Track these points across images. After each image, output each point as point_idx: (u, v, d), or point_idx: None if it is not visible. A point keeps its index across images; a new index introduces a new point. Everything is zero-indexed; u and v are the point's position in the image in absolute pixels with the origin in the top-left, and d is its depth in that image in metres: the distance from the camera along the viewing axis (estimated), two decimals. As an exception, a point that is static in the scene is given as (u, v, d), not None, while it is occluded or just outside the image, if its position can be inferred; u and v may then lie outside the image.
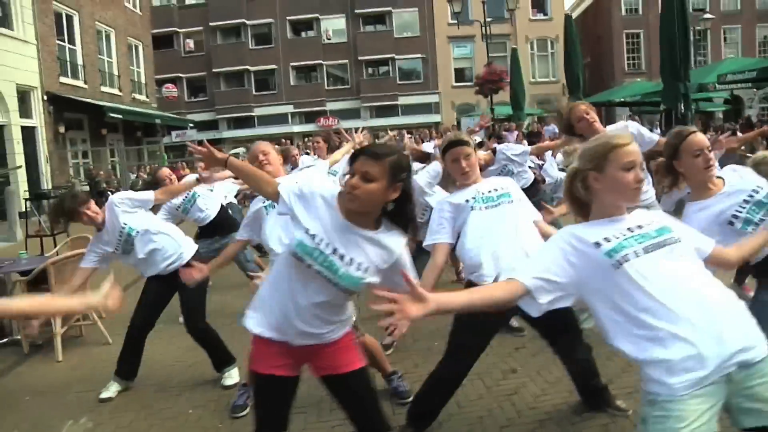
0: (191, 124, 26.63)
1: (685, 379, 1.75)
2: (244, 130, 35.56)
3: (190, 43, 36.44)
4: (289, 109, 36.42)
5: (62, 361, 4.89)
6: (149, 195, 4.19)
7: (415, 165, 6.87)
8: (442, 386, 3.14)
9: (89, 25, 19.31)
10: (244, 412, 3.58)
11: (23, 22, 15.73)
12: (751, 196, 2.56)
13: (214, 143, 16.75)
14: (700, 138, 2.60)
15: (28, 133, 15.95)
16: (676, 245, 1.91)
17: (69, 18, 18.35)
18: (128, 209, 4.05)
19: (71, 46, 18.47)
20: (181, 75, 35.93)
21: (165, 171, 5.82)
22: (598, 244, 1.89)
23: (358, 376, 2.40)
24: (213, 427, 3.55)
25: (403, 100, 35.17)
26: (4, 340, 5.33)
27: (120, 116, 18.45)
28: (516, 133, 16.57)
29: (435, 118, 33.51)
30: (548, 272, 1.88)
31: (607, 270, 1.84)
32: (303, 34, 36.95)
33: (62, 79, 17.47)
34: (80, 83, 18.58)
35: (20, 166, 8.69)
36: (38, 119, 16.38)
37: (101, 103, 17.84)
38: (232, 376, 4.12)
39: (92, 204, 4.03)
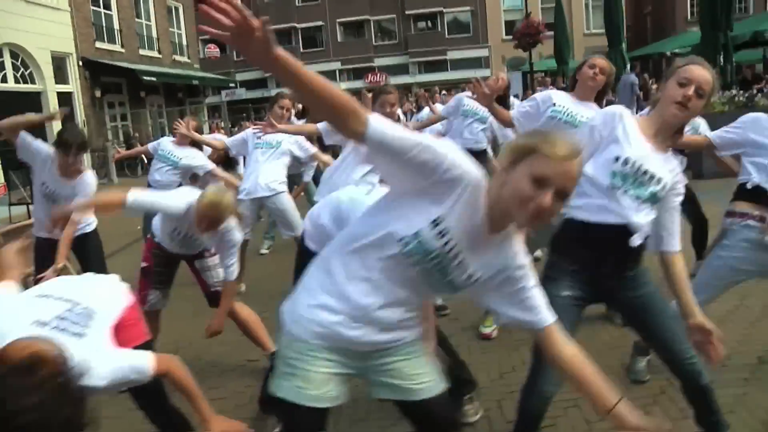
0: (232, 83, 26.77)
1: None
2: (293, 88, 35.50)
3: (237, 1, 36.39)
4: (336, 65, 36.19)
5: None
6: None
7: None
8: None
9: (125, -12, 19.54)
10: None
11: (57, -10, 16.03)
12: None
13: (263, 102, 16.79)
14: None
15: (65, 99, 16.38)
16: None
17: (104, -17, 18.63)
18: None
19: (107, 11, 18.73)
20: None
21: None
22: None
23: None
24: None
25: (451, 55, 34.36)
26: None
27: (154, 79, 18.68)
28: (551, 88, 15.89)
29: (485, 72, 32.50)
30: None
31: None
32: (350, -12, 36.43)
33: (98, 44, 17.79)
34: (117, 47, 18.89)
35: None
36: (74, 84, 16.80)
37: (135, 66, 18.11)
38: None
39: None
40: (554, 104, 3.59)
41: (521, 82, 20.11)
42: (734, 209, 2.88)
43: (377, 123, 1.43)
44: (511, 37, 32.71)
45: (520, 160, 1.52)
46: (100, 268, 4.10)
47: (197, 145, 5.59)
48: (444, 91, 17.79)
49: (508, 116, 3.71)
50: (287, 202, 5.01)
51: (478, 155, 5.59)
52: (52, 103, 15.63)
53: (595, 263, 2.23)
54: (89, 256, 4.18)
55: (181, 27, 24.14)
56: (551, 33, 21.24)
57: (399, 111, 7.10)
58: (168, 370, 2.04)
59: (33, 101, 15.29)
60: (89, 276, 2.63)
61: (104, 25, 18.47)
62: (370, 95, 6.31)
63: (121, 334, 2.41)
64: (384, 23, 36.29)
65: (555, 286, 2.21)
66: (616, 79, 16.43)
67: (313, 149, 5.13)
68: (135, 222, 6.51)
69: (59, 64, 16.18)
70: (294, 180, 5.96)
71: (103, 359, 1.90)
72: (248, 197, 4.89)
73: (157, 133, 19.77)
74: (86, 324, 2.00)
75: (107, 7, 18.75)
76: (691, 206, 4.52)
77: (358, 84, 34.45)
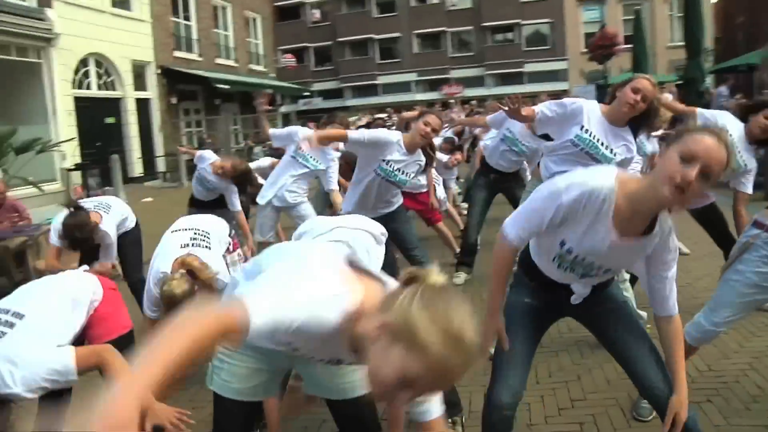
0: (306, 93, 27.28)
1: None
2: (368, 98, 35.96)
3: (317, 14, 37.25)
4: (412, 77, 36.28)
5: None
6: None
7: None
8: None
9: (205, 1, 20.27)
10: None
11: (140, 3, 16.83)
12: None
13: (338, 111, 16.91)
14: None
15: (143, 105, 17.17)
16: None
17: (186, -4, 19.46)
18: None
19: (186, 22, 19.51)
20: (307, 45, 36.94)
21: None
22: None
23: None
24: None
25: (529, 67, 33.75)
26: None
27: (228, 87, 19.27)
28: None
29: (562, 86, 31.78)
30: None
31: None
32: (427, 1, 36.42)
33: (176, 53, 18.54)
34: (194, 56, 19.62)
35: (71, 139, 9.11)
36: (152, 91, 17.57)
37: (209, 75, 18.73)
38: None
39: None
40: (582, 127, 3.22)
41: (594, 95, 19.38)
42: (765, 220, 2.62)
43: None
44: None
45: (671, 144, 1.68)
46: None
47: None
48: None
49: (531, 112, 3.33)
50: (309, 209, 5.00)
51: (513, 174, 5.39)
52: (131, 109, 16.43)
53: (552, 292, 2.11)
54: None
55: (258, 37, 24.85)
56: (630, 45, 20.52)
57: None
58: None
59: (113, 107, 16.16)
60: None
61: (183, 35, 19.25)
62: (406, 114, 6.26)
63: (98, 328, 2.45)
64: (461, 35, 36.11)
65: (517, 293, 2.17)
66: (698, 92, 15.72)
67: (334, 187, 5.09)
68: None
69: (139, 72, 16.96)
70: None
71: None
72: (269, 205, 4.92)
73: (231, 140, 20.41)
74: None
75: (187, 18, 19.54)
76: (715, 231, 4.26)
77: (433, 95, 34.45)
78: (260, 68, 24.62)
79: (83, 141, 14.42)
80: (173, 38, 18.46)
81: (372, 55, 36.94)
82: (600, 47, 21.30)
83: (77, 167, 12.78)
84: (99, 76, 15.57)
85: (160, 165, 17.68)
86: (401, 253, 4.14)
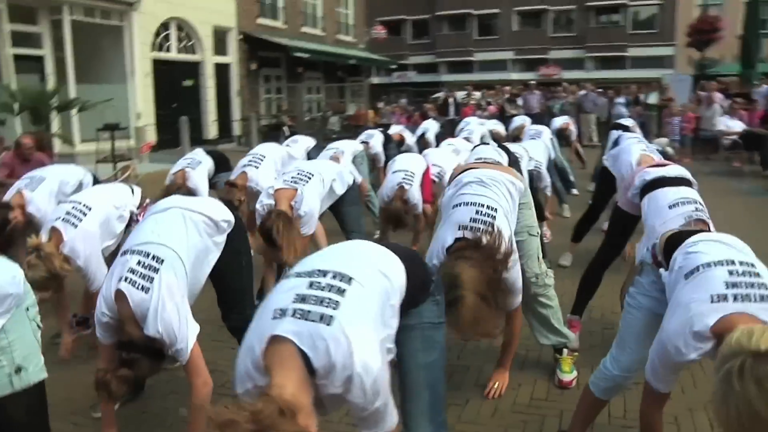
0: (394, 65, 27.05)
1: None
2: (463, 75, 35.25)
3: (415, -15, 36.73)
4: (509, 55, 35.22)
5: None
6: None
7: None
8: None
9: (294, -31, 20.41)
10: None
11: (224, -34, 17.16)
12: None
13: (433, 86, 17.13)
14: None
15: (223, 69, 17.61)
16: None
17: (275, -38, 19.60)
18: None
19: (274, -11, 19.73)
20: (405, 17, 36.58)
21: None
22: None
23: None
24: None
25: (633, 52, 31.85)
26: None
27: (307, 55, 19.38)
28: (716, 95, 13.92)
29: (668, 72, 29.73)
30: None
31: None
32: (529, -24, 35.11)
33: (259, 20, 18.79)
34: (279, 24, 19.82)
35: (109, 99, 9.41)
36: (233, 56, 17.95)
37: (289, 43, 18.88)
38: None
39: None
40: None
41: (690, 86, 17.90)
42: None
43: None
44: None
45: None
46: None
47: None
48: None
49: None
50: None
51: None
52: (209, 73, 16.89)
53: None
54: None
55: (349, 7, 24.77)
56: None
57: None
58: None
59: (192, 70, 16.67)
60: None
61: (269, 2, 19.46)
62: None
63: None
64: (563, 14, 34.52)
65: None
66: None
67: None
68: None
69: (220, 37, 17.35)
70: None
71: None
72: None
73: (307, 109, 20.61)
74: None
75: (275, -15, 19.74)
76: None
77: (529, 75, 33.24)
78: (349, 38, 24.57)
79: (159, 102, 15.03)
80: (257, 5, 18.70)
81: (470, 31, 36.10)
82: (699, 32, 19.59)
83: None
84: (179, 40, 16.07)
85: (236, 129, 18.15)
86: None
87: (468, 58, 36.06)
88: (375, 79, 35.20)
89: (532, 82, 17.70)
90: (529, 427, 2.71)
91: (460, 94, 20.16)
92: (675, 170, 3.24)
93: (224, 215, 2.69)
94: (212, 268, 2.68)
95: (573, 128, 10.07)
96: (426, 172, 5.41)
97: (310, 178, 3.64)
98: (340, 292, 1.58)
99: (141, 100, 14.42)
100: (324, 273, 1.64)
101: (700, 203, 2.95)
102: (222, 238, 2.68)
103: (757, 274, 1.79)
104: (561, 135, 9.80)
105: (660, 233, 2.79)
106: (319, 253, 1.84)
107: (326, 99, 23.21)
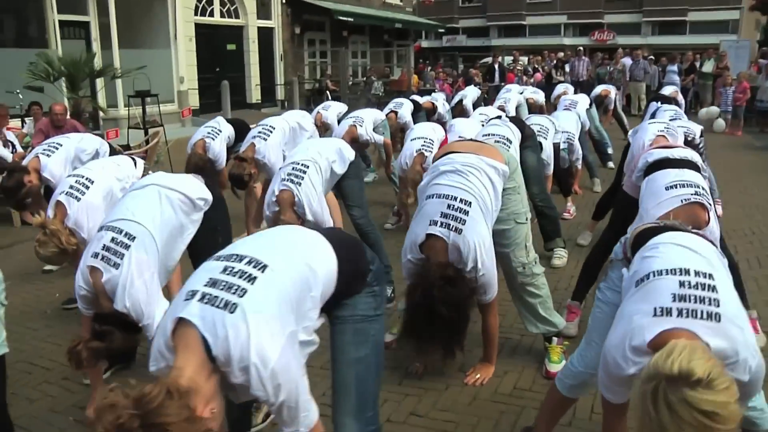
0: (442, 29, 26.51)
1: None
2: (514, 39, 34.33)
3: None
4: (562, 19, 34.09)
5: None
6: None
7: None
8: None
9: (340, -70, 20.06)
10: None
11: (270, -70, 17.01)
12: None
13: (483, 50, 16.82)
14: None
15: (266, 33, 17.58)
16: None
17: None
18: None
19: (319, -49, 19.45)
20: (455, -20, 35.74)
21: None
22: None
23: None
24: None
25: (693, 16, 30.33)
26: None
27: (351, 19, 19.17)
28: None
29: (731, 38, 28.28)
30: None
31: None
32: (586, -65, 33.58)
33: (304, -17, 18.66)
34: (325, -14, 19.64)
35: (143, 67, 9.43)
36: (276, 21, 17.89)
37: (333, 6, 18.69)
38: None
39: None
40: None
41: (749, 52, 16.90)
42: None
43: None
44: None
45: None
46: None
47: None
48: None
49: None
50: None
51: None
52: (252, 37, 16.90)
53: None
54: None
55: (396, -30, 24.31)
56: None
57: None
58: None
59: (235, 34, 16.70)
60: None
61: (313, -35, 19.23)
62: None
63: None
64: (620, -25, 33.12)
65: None
66: None
67: None
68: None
69: (264, 0, 17.28)
70: None
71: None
72: None
73: (350, 73, 20.41)
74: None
75: (321, -53, 19.45)
76: None
77: (583, 41, 32.14)
78: (396, 2, 24.15)
79: (201, 66, 15.15)
80: (302, -32, 18.54)
81: (521, -7, 35.05)
82: None
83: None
84: (222, 4, 16.08)
85: (280, 93, 18.19)
86: None
87: (520, 22, 35.05)
88: (425, 43, 34.64)
89: (580, 48, 17.03)
90: (505, 418, 2.65)
91: (507, 60, 19.69)
92: (681, 152, 3.05)
93: (201, 193, 2.71)
94: (190, 245, 2.71)
95: (612, 96, 9.71)
96: (443, 142, 5.31)
97: (305, 171, 3.50)
98: (251, 279, 1.55)
99: (184, 64, 14.55)
100: (241, 258, 1.61)
101: (704, 188, 2.76)
102: (198, 216, 2.70)
103: (712, 288, 1.64)
104: (599, 102, 9.48)
105: (652, 216, 2.66)
106: (248, 237, 1.82)
107: (371, 63, 22.96)
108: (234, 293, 1.51)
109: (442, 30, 26.90)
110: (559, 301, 3.78)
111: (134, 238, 2.44)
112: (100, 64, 12.26)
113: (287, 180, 3.48)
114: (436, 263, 2.59)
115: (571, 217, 6.00)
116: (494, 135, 4.10)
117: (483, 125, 6.16)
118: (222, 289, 1.52)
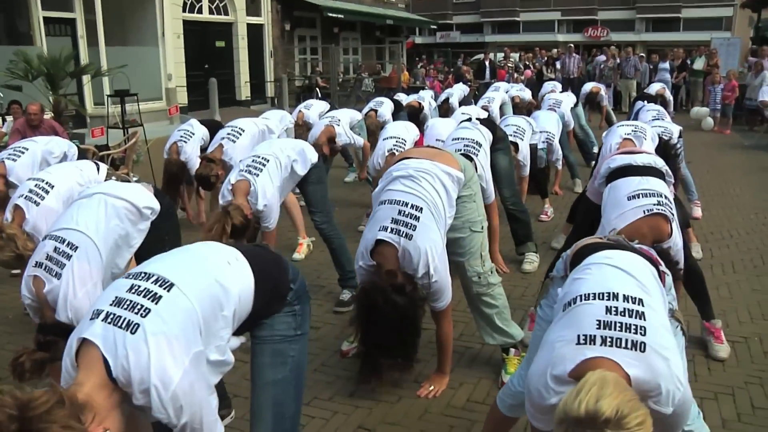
0: (434, 26, 26.42)
1: None
2: (508, 35, 34.27)
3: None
4: (556, 16, 34.05)
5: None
6: None
7: None
8: None
9: (330, -74, 19.95)
10: None
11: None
12: None
13: (477, 47, 16.77)
14: None
15: (256, 29, 17.50)
16: None
17: None
18: None
19: (309, -52, 19.34)
20: (449, -25, 35.64)
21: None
22: None
23: None
24: None
25: (687, 13, 30.30)
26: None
27: (341, 16, 19.09)
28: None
29: (724, 35, 28.21)
30: None
31: None
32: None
33: (294, -20, 18.57)
34: (315, -17, 19.53)
35: (123, 66, 9.30)
36: (266, 17, 17.79)
37: (322, 3, 18.59)
38: None
39: None
40: None
41: (738, 49, 16.80)
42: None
43: None
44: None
45: None
46: None
47: None
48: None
49: None
50: None
51: None
52: (242, 34, 16.81)
53: None
54: None
55: (389, -35, 24.19)
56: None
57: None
58: None
59: (224, 31, 16.63)
60: None
61: (303, -39, 19.13)
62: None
63: None
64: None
65: None
66: None
67: None
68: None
69: (254, -3, 17.20)
70: None
71: None
72: None
73: (341, 70, 20.31)
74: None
75: (310, -57, 19.34)
76: None
77: (576, 37, 32.07)
78: (390, -2, 24.06)
79: (190, 63, 15.08)
80: (293, -36, 18.44)
81: (515, -10, 34.95)
82: None
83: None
84: (211, 1, 15.98)
85: (269, 90, 18.11)
86: None
87: (513, 18, 34.96)
88: (418, 39, 34.53)
89: (570, 45, 16.95)
90: (453, 432, 2.61)
91: (500, 56, 19.59)
92: (645, 158, 2.99)
93: (148, 202, 2.66)
94: (137, 255, 2.67)
95: (603, 93, 9.66)
96: (418, 142, 5.25)
97: (264, 164, 3.51)
98: (156, 298, 1.51)
99: (172, 61, 14.45)
100: (148, 277, 1.58)
101: (666, 197, 2.71)
102: (145, 225, 2.66)
103: (640, 315, 1.57)
104: (591, 100, 9.43)
105: (615, 227, 2.61)
106: (159, 255, 1.77)
107: (363, 60, 22.85)
108: (137, 313, 1.48)
109: (435, 26, 26.81)
110: (527, 308, 3.74)
111: (77, 247, 2.39)
112: (86, 61, 12.26)
113: (245, 171, 3.48)
114: (385, 270, 2.55)
115: (548, 219, 5.96)
116: (464, 139, 4.05)
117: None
118: (126, 309, 1.49)
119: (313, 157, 3.80)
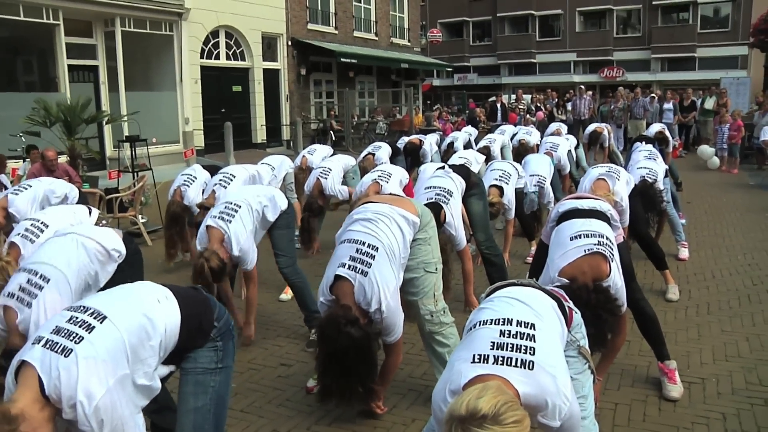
0: (449, 68, 26.90)
1: None
2: (525, 77, 34.77)
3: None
4: (572, 57, 34.43)
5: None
6: None
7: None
8: None
9: (346, -26, 20.64)
10: None
11: (276, -24, 17.57)
12: None
13: (494, 88, 17.02)
14: None
15: (272, 74, 18.06)
16: None
17: (328, -31, 19.89)
18: None
19: (325, -5, 20.05)
20: (466, 18, 36.35)
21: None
22: None
23: None
24: None
25: (702, 52, 30.45)
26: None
27: (354, 61, 19.61)
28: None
29: (740, 74, 28.30)
30: None
31: None
32: (593, -25, 34.10)
33: (310, 26, 19.14)
34: (330, 29, 20.11)
35: (135, 113, 9.87)
36: (282, 62, 18.37)
37: (337, 48, 19.14)
38: None
39: None
40: None
41: (748, 90, 16.87)
42: None
43: None
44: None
45: None
46: None
47: None
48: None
49: None
50: None
51: None
52: (258, 78, 17.36)
53: None
54: None
55: (403, 11, 24.83)
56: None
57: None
58: None
59: (241, 76, 17.18)
60: None
61: (320, 8, 19.77)
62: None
63: None
64: (627, 14, 33.41)
65: None
66: None
67: None
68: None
69: (270, 43, 17.80)
70: None
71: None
72: None
73: (356, 113, 20.77)
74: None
75: (326, -9, 20.04)
76: None
77: (592, 78, 32.44)
78: (403, 42, 24.63)
79: (207, 107, 15.60)
80: (307, 11, 19.06)
81: (531, 32, 35.47)
82: (761, 31, 18.36)
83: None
84: (228, 47, 16.58)
85: (285, 133, 18.57)
86: None
87: (530, 60, 35.42)
88: (436, 81, 35.13)
89: (581, 87, 17.18)
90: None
91: (512, 98, 19.89)
92: (590, 203, 3.17)
93: (115, 245, 2.89)
94: None
95: (606, 134, 9.83)
96: (407, 186, 5.43)
97: (237, 210, 3.74)
98: (89, 328, 1.78)
99: (189, 105, 15.00)
100: (86, 310, 1.85)
101: (608, 238, 2.87)
102: (112, 267, 2.88)
103: (531, 337, 1.73)
104: (594, 140, 9.61)
105: (558, 266, 2.78)
106: (100, 293, 2.02)
107: (379, 103, 23.33)
108: (72, 340, 1.74)
109: (450, 69, 27.30)
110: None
111: (48, 279, 2.60)
112: (107, 106, 12.82)
113: (218, 218, 3.69)
114: (342, 305, 2.75)
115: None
116: (435, 188, 4.24)
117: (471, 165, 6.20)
118: (63, 336, 1.76)
119: (283, 204, 4.04)
